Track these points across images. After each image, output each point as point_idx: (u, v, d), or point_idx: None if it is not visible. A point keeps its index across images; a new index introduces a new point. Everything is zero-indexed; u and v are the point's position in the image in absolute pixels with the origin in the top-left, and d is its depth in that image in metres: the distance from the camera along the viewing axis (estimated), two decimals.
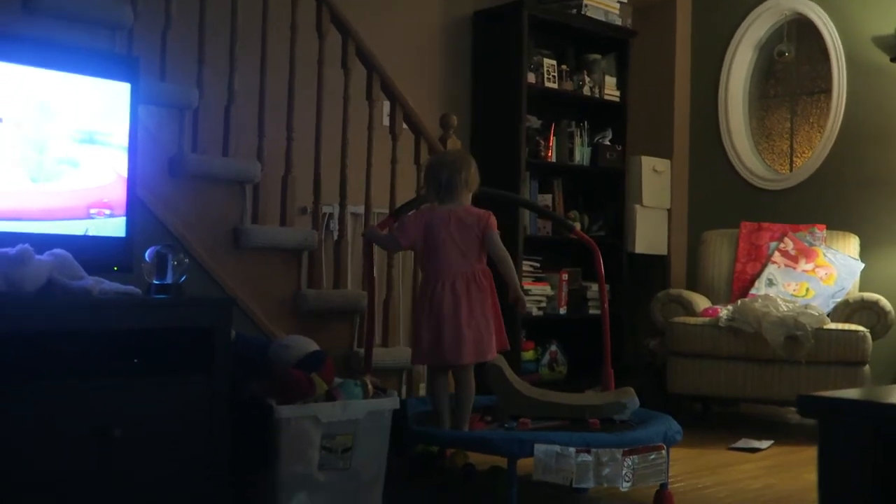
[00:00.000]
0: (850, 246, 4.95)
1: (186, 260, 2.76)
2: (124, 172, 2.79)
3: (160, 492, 2.48)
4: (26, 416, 2.24)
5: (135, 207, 2.82)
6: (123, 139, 2.79)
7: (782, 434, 4.44)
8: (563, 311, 5.38)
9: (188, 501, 2.58)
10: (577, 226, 4.81)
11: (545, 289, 5.32)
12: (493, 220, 3.13)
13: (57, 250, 2.46)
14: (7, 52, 2.55)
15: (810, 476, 3.55)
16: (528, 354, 5.22)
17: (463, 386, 3.10)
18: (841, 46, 5.29)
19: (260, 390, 2.73)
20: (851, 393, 1.15)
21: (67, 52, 2.74)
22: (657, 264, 5.70)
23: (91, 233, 2.71)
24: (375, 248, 3.56)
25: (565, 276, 5.40)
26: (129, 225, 2.79)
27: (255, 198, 3.55)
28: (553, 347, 5.37)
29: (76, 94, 2.68)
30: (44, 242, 2.47)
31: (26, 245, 2.37)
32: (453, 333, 3.02)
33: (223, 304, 2.70)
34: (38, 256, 2.39)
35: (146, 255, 2.71)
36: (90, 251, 2.63)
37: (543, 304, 5.32)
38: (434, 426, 3.10)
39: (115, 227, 2.77)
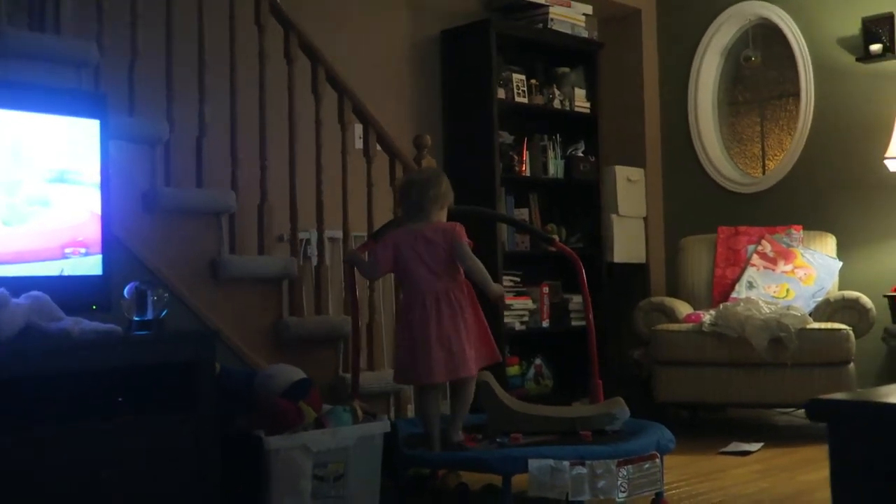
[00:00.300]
0: (828, 245, 4.98)
1: (166, 295, 2.73)
2: (98, 210, 2.75)
3: None
4: (10, 463, 2.19)
5: (110, 244, 2.79)
6: (95, 176, 2.76)
7: (771, 436, 4.44)
8: (545, 324, 5.37)
9: None
10: (556, 238, 4.80)
11: (527, 303, 5.31)
12: (460, 230, 3.10)
13: (34, 292, 2.43)
14: None
15: (804, 477, 3.55)
16: (514, 369, 5.20)
17: (463, 398, 3.10)
18: (807, 49, 5.34)
19: (248, 422, 2.69)
20: (860, 395, 1.14)
21: (33, 92, 2.72)
22: (637, 273, 5.70)
23: (67, 272, 2.67)
24: (356, 272, 3.54)
25: (546, 290, 5.39)
26: (106, 262, 2.76)
27: (232, 228, 3.52)
28: (538, 361, 5.35)
29: (44, 133, 2.65)
30: (19, 285, 2.43)
31: (1, 289, 2.33)
32: (424, 352, 3.00)
33: (206, 337, 2.67)
34: (14, 300, 2.35)
35: (125, 291, 2.68)
36: (67, 291, 2.59)
37: (526, 319, 5.30)
38: (425, 448, 3.06)
39: (91, 265, 2.73)
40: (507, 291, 5.16)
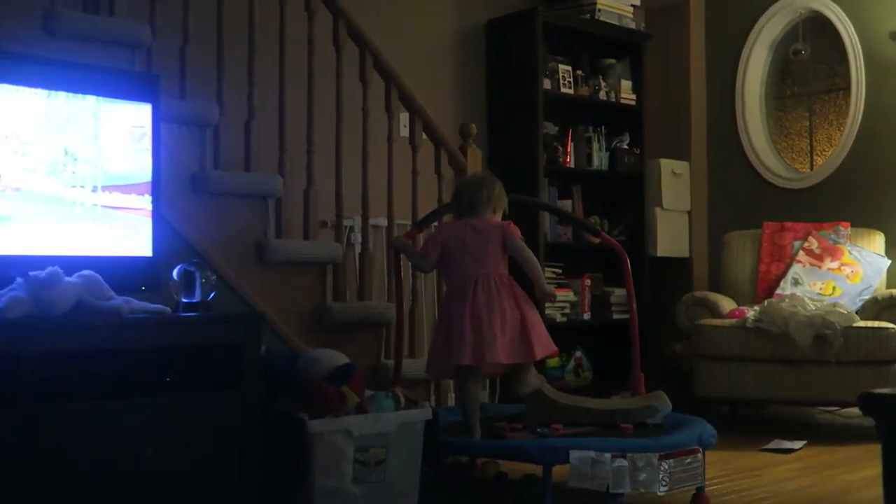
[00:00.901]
0: (876, 243, 4.91)
1: (213, 277, 2.76)
2: (148, 192, 2.79)
3: None
4: (59, 436, 2.23)
5: (160, 226, 2.82)
6: (146, 158, 2.79)
7: (813, 435, 4.40)
8: (586, 316, 5.35)
9: None
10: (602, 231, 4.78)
11: (568, 295, 5.30)
12: (515, 229, 3.15)
13: (85, 272, 2.46)
14: (28, 76, 2.55)
15: (846, 476, 3.51)
16: (553, 361, 5.19)
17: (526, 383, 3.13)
18: (858, 43, 5.26)
19: (291, 405, 2.72)
20: None
21: (88, 73, 2.74)
22: (679, 267, 5.66)
23: (117, 253, 2.70)
24: (403, 259, 3.55)
25: (588, 282, 5.37)
26: (155, 244, 2.79)
27: (278, 212, 3.54)
28: (578, 353, 5.34)
29: (97, 115, 2.68)
30: (71, 264, 2.47)
31: (55, 267, 2.37)
32: (457, 332, 3.02)
33: (253, 319, 2.69)
34: (67, 278, 2.38)
35: (173, 273, 2.71)
36: (117, 272, 2.62)
37: (567, 311, 5.29)
38: (465, 436, 3.07)
39: (141, 246, 2.76)
40: (549, 283, 5.13)
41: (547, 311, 5.09)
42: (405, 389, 3.13)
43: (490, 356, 3.01)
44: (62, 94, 2.62)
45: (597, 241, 4.41)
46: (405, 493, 2.80)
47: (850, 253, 4.82)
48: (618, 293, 5.42)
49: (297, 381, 2.84)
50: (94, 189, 2.68)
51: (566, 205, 5.41)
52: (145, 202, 2.78)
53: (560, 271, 5.33)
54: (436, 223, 3.63)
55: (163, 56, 3.30)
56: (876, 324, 4.39)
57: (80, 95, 2.65)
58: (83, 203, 2.65)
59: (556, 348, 3.16)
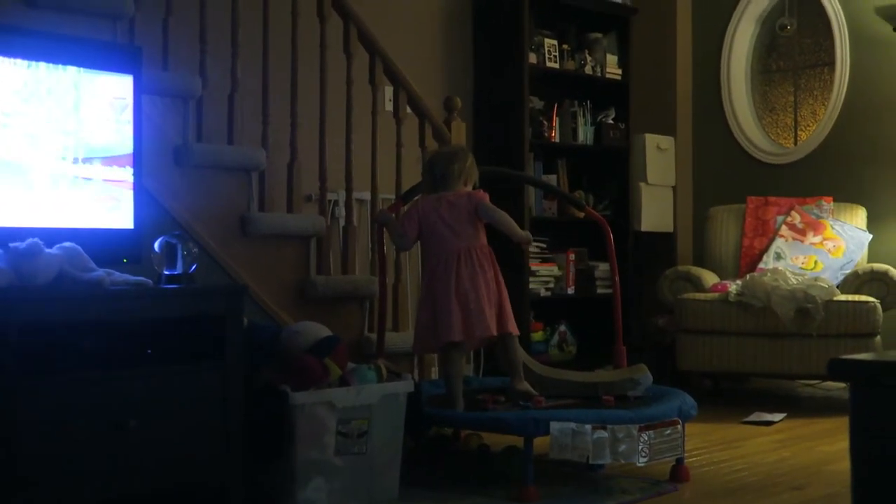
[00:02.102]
0: (858, 217, 4.94)
1: (196, 249, 2.76)
2: (130, 164, 2.78)
3: (176, 479, 2.49)
4: (42, 407, 2.24)
5: (142, 198, 2.82)
6: (128, 130, 2.78)
7: (794, 407, 4.45)
8: (570, 291, 5.38)
9: (204, 489, 2.58)
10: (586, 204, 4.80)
11: (552, 269, 5.31)
12: (484, 194, 3.16)
13: (67, 243, 2.46)
14: (8, 46, 2.54)
15: (825, 448, 3.56)
16: (538, 335, 5.22)
17: (508, 360, 3.14)
18: (843, 18, 5.26)
19: (274, 377, 2.73)
20: (884, 356, 1.15)
21: (69, 44, 2.72)
22: (663, 242, 5.68)
23: (99, 225, 2.70)
24: (385, 233, 3.56)
25: (572, 257, 5.39)
26: (137, 216, 2.79)
27: (262, 185, 3.54)
28: (562, 328, 5.36)
29: (78, 87, 2.67)
30: (53, 236, 2.46)
31: (36, 239, 2.36)
32: (444, 309, 3.03)
33: (235, 291, 2.69)
34: (48, 250, 2.38)
35: (155, 245, 2.71)
36: (99, 244, 2.62)
37: (551, 285, 5.31)
38: (448, 408, 3.09)
39: (122, 218, 2.76)
40: (533, 258, 5.16)
41: (531, 286, 5.11)
42: (388, 362, 3.15)
43: (480, 331, 3.04)
44: (42, 65, 2.60)
45: (581, 215, 4.42)
46: (387, 464, 2.82)
47: (833, 227, 4.85)
48: (602, 268, 5.44)
49: (280, 353, 2.85)
50: (76, 161, 2.67)
51: (551, 179, 5.42)
52: (127, 174, 2.78)
53: (545, 245, 5.34)
54: (418, 198, 3.64)
55: (145, 27, 3.28)
56: (857, 297, 4.43)
57: (60, 66, 2.64)
58: (64, 175, 2.64)
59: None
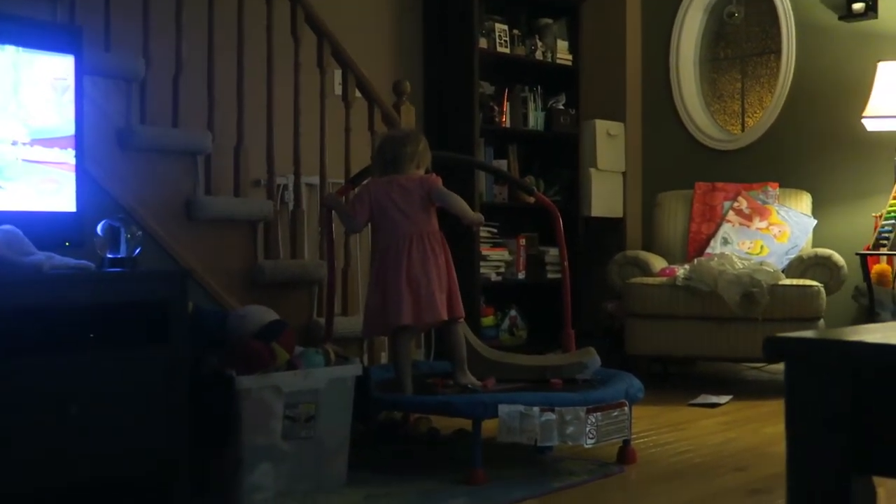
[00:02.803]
0: (803, 203, 5.01)
1: (139, 233, 2.72)
2: (71, 146, 2.72)
3: (122, 465, 2.45)
4: None
5: (84, 181, 2.76)
6: (69, 112, 2.73)
7: (740, 390, 4.51)
8: (521, 276, 5.40)
9: (150, 475, 2.55)
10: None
11: (503, 254, 5.33)
12: (436, 178, 3.13)
13: (5, 226, 2.41)
14: None
15: (769, 429, 3.61)
16: (488, 320, 5.23)
17: (452, 344, 3.13)
18: (789, 6, 5.32)
19: (220, 362, 2.70)
20: (820, 333, 1.16)
21: (6, 23, 2.65)
22: (613, 227, 5.72)
23: (39, 208, 2.65)
24: (334, 215, 3.53)
25: (523, 242, 5.41)
26: (79, 199, 2.73)
27: (208, 169, 3.50)
28: (513, 313, 5.38)
29: (17, 67, 2.61)
30: None
31: None
32: (394, 293, 3.01)
33: (179, 275, 2.66)
34: None
35: (98, 228, 2.66)
36: (41, 227, 2.57)
37: (502, 270, 5.32)
38: (397, 392, 3.08)
39: (65, 201, 2.71)
40: (484, 243, 5.17)
41: (482, 271, 5.11)
42: (336, 346, 3.13)
43: (430, 317, 3.03)
44: None
45: (532, 200, 4.42)
46: (336, 449, 2.81)
47: (778, 213, 4.92)
48: (552, 253, 5.46)
49: (226, 338, 2.83)
50: (15, 143, 2.61)
51: (502, 164, 5.42)
52: (69, 156, 2.72)
53: (495, 231, 5.35)
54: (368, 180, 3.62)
55: (86, 6, 3.22)
56: (801, 282, 4.50)
57: None
58: (4, 157, 2.58)
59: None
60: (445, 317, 3.06)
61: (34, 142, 2.65)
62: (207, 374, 2.67)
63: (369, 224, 3.22)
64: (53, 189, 2.69)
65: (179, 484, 2.53)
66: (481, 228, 5.11)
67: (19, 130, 2.61)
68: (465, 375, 3.11)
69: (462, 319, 3.15)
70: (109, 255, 2.62)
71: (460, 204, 3.13)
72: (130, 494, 2.62)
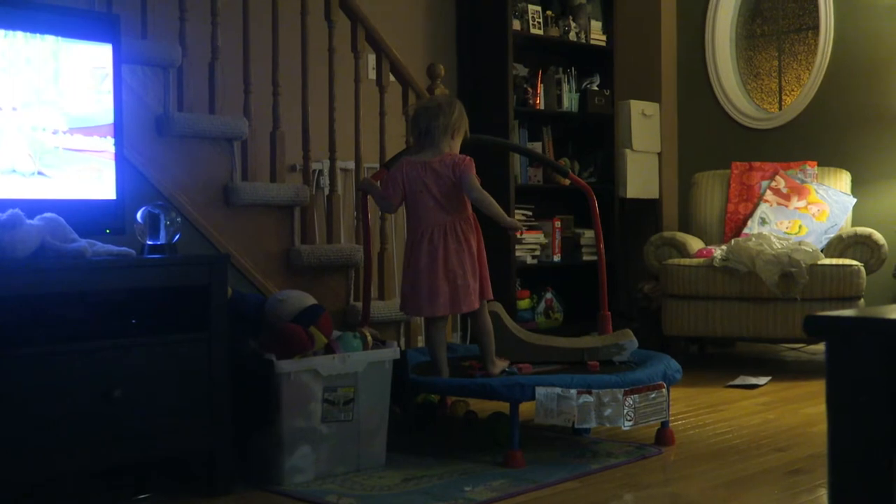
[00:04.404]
0: (842, 181, 4.95)
1: (179, 219, 2.75)
2: (110, 134, 2.76)
3: (163, 448, 2.49)
4: (25, 378, 2.23)
5: (124, 169, 2.80)
6: (109, 100, 2.76)
7: (779, 371, 4.48)
8: (557, 258, 5.39)
9: (191, 457, 2.59)
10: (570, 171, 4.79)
11: (538, 237, 5.32)
12: (469, 164, 3.04)
13: (48, 214, 2.44)
14: None
15: (808, 410, 3.59)
16: (524, 303, 5.23)
17: (479, 330, 3.11)
18: None
19: (259, 346, 2.73)
20: (862, 312, 1.15)
21: (46, 13, 2.69)
22: (649, 208, 5.69)
23: (81, 196, 2.69)
24: (370, 201, 3.54)
25: (558, 224, 5.40)
26: (119, 187, 2.77)
27: (244, 155, 3.52)
28: (548, 295, 5.38)
29: (57, 56, 2.64)
30: (34, 208, 2.45)
31: (16, 210, 2.35)
32: (429, 285, 3.01)
33: (218, 261, 2.69)
34: (29, 221, 2.37)
35: (138, 215, 2.70)
36: (82, 215, 2.61)
37: (537, 253, 5.32)
38: (433, 375, 3.10)
39: (105, 189, 2.74)
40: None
41: (517, 254, 5.11)
42: (373, 330, 3.15)
43: (467, 306, 3.04)
44: (20, 34, 2.57)
45: (566, 182, 4.41)
46: (374, 431, 2.83)
47: (817, 192, 4.86)
48: (588, 235, 5.45)
49: (265, 322, 2.86)
50: (56, 132, 2.65)
51: (536, 147, 5.42)
52: (108, 144, 2.76)
53: (530, 213, 5.34)
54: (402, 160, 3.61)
55: None
56: (840, 261, 4.45)
57: (38, 35, 2.61)
58: (45, 145, 2.62)
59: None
60: (478, 305, 3.06)
61: (74, 130, 2.68)
62: (247, 358, 2.71)
63: (403, 208, 3.21)
64: (93, 177, 2.72)
65: (220, 467, 2.57)
66: (516, 210, 5.10)
67: (59, 119, 2.65)
68: (495, 365, 3.10)
69: (491, 300, 3.15)
70: (149, 242, 2.66)
71: (492, 206, 3.03)
72: (172, 477, 2.67)
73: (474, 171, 3.05)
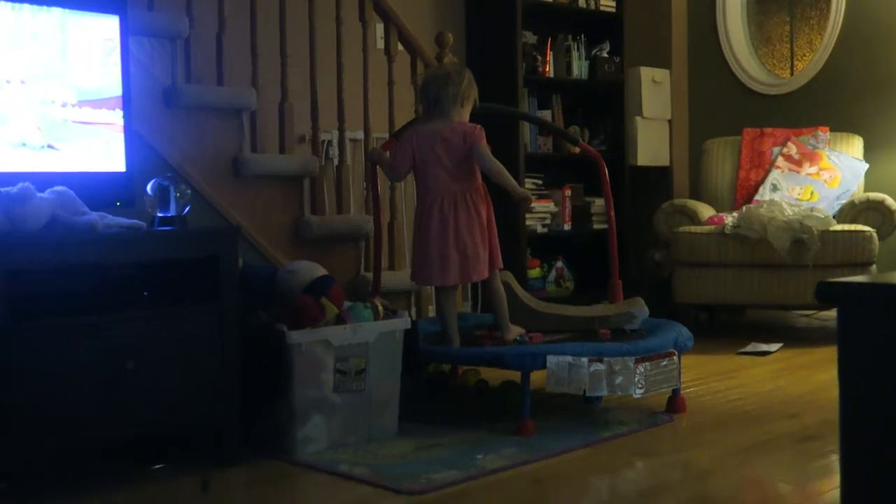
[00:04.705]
0: (854, 147, 4.92)
1: (188, 191, 2.75)
2: (119, 107, 2.75)
3: (176, 419, 2.51)
4: (37, 351, 2.25)
5: (133, 141, 2.80)
6: (116, 73, 2.75)
7: (790, 338, 4.48)
8: (567, 227, 5.38)
9: (204, 428, 2.61)
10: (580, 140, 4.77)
11: (548, 206, 5.31)
12: (480, 133, 3.04)
13: (58, 187, 2.45)
14: None
15: (820, 376, 3.59)
16: (535, 272, 5.23)
17: (491, 297, 3.12)
18: None
19: (270, 317, 2.74)
20: (874, 278, 1.14)
21: None
22: (659, 176, 5.67)
23: (90, 168, 2.69)
24: (379, 171, 3.54)
25: (568, 192, 5.38)
26: (129, 159, 2.77)
27: (253, 126, 3.52)
28: (559, 264, 5.37)
29: (64, 29, 2.63)
30: (44, 181, 2.45)
31: (27, 183, 2.35)
32: (439, 254, 3.01)
33: (229, 232, 2.69)
34: (39, 194, 2.37)
35: (148, 188, 2.70)
36: (92, 188, 2.61)
37: (547, 221, 5.31)
38: (445, 345, 3.11)
39: (114, 162, 2.75)
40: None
41: (528, 223, 5.11)
42: (384, 300, 3.15)
43: (477, 275, 3.05)
44: (27, 7, 2.57)
45: (576, 150, 4.39)
46: (386, 401, 2.84)
47: (829, 158, 4.83)
48: (598, 203, 5.43)
49: (276, 293, 2.86)
50: (64, 105, 2.65)
51: (546, 115, 5.39)
52: (117, 117, 2.76)
53: (540, 182, 5.33)
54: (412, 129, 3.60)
55: None
56: (853, 227, 4.43)
57: (45, 8, 2.60)
58: (54, 119, 2.62)
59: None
60: (488, 274, 3.07)
61: (82, 103, 2.68)
62: (258, 329, 2.71)
63: (413, 178, 3.21)
64: (103, 150, 2.72)
65: (232, 436, 2.58)
66: (526, 179, 5.09)
67: (68, 92, 2.65)
68: (510, 331, 3.11)
69: (501, 269, 3.15)
70: (160, 214, 2.66)
71: (504, 175, 3.03)
72: (184, 447, 2.69)
73: (485, 140, 3.05)
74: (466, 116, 3.12)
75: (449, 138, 3.04)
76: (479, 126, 3.07)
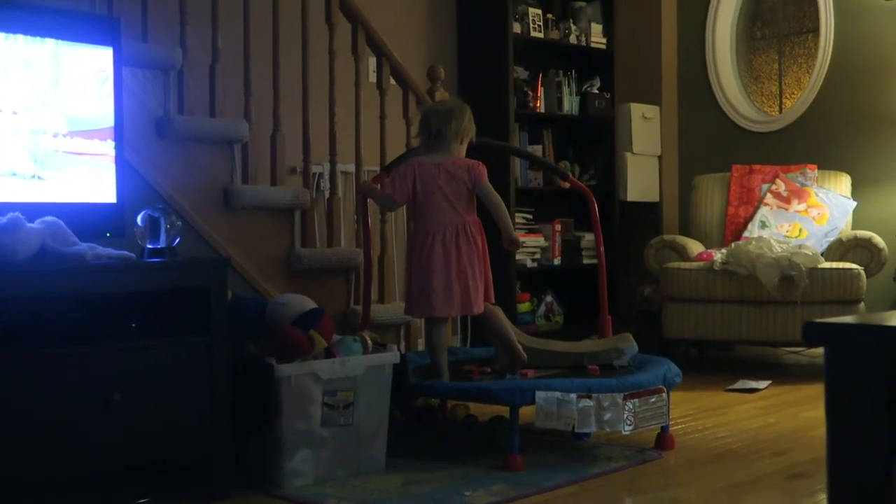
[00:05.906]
0: (842, 185, 4.96)
1: (179, 222, 2.75)
2: (111, 137, 2.76)
3: (164, 451, 2.49)
4: (25, 381, 2.23)
5: (124, 172, 2.80)
6: (109, 103, 2.76)
7: (779, 374, 4.48)
8: (557, 261, 5.39)
9: (191, 460, 2.59)
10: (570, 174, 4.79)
11: (539, 240, 5.32)
12: (483, 169, 3.11)
13: (48, 218, 2.44)
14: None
15: (808, 414, 3.58)
16: (524, 306, 5.23)
17: (498, 327, 3.15)
18: None
19: (259, 350, 2.73)
20: (862, 318, 1.15)
21: (46, 15, 2.68)
22: (649, 211, 5.69)
23: (81, 199, 2.68)
24: (370, 203, 3.55)
25: (558, 227, 5.40)
26: (120, 190, 2.77)
27: (245, 158, 3.52)
28: (549, 298, 5.38)
29: (57, 59, 2.64)
30: (33, 211, 2.45)
31: (16, 213, 2.35)
32: (443, 285, 3.02)
33: (219, 264, 2.69)
34: (29, 224, 2.37)
35: (138, 219, 2.70)
36: (82, 218, 2.61)
37: (537, 256, 5.32)
38: (434, 379, 3.10)
39: (105, 192, 2.74)
40: (519, 228, 5.16)
41: (518, 257, 5.11)
42: (373, 333, 3.15)
43: (476, 307, 3.07)
44: (20, 37, 2.57)
45: (567, 185, 4.41)
46: (374, 435, 2.83)
47: (817, 195, 4.86)
48: (588, 238, 5.45)
49: (265, 325, 2.85)
50: (56, 135, 2.65)
51: (537, 150, 5.42)
52: (109, 147, 2.76)
53: (531, 216, 5.34)
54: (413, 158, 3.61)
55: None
56: (841, 265, 4.45)
57: (38, 38, 2.61)
58: (45, 148, 2.62)
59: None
60: (482, 308, 3.08)
61: (74, 133, 2.68)
62: (247, 362, 2.70)
63: (404, 211, 3.22)
64: (94, 180, 2.72)
65: (220, 470, 2.57)
66: (517, 213, 5.11)
67: (59, 122, 2.65)
68: (522, 352, 3.13)
69: (492, 304, 3.17)
70: (150, 245, 2.66)
71: (503, 213, 3.09)
72: (172, 479, 2.66)
73: (487, 176, 3.09)
74: (464, 153, 3.16)
75: (452, 172, 3.07)
76: (481, 163, 3.12)
